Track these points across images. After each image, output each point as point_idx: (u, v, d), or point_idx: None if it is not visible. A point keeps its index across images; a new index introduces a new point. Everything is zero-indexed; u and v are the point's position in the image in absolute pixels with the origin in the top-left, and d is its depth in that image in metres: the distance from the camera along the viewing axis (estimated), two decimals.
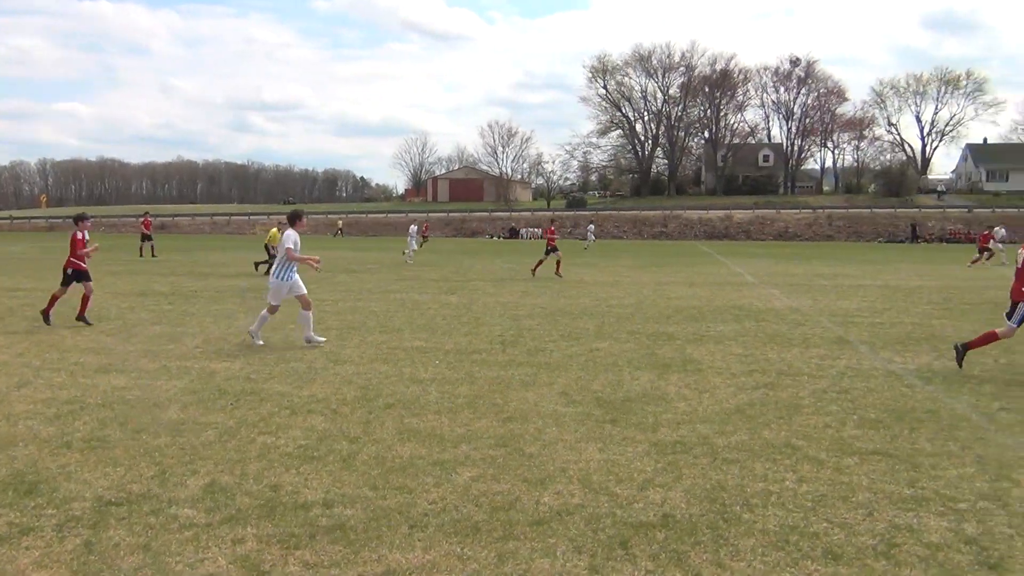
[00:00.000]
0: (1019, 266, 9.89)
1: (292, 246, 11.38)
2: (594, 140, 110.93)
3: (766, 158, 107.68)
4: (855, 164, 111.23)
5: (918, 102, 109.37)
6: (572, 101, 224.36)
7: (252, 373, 9.51)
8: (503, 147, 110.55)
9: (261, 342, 11.51)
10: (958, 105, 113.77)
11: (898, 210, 77.61)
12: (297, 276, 11.66)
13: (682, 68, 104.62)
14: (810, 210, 79.78)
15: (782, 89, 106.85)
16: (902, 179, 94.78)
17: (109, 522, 4.96)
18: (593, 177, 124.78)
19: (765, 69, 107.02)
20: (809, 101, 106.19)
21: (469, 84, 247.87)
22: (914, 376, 9.63)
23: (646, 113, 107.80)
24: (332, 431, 7.03)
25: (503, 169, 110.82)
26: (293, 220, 11.76)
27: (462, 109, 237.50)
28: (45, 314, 13.45)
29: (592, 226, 54.20)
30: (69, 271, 13.61)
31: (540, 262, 25.84)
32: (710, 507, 5.28)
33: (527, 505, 5.31)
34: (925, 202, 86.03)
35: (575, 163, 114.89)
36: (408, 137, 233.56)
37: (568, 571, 4.39)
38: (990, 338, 10.01)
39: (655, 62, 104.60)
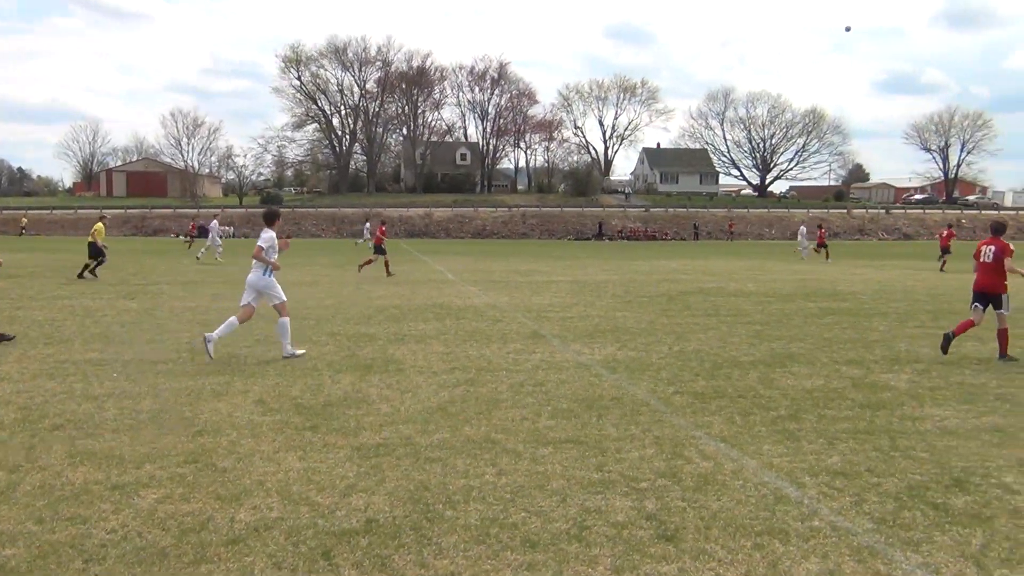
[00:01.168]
0: (989, 261, 11.21)
1: (263, 244, 10.74)
2: (289, 134, 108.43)
3: (463, 156, 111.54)
4: (546, 164, 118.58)
5: (600, 107, 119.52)
6: (265, 91, 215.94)
7: None
8: (189, 138, 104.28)
9: (302, 351, 11.07)
10: (635, 111, 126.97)
11: (585, 209, 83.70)
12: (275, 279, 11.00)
13: (379, 63, 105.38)
14: (506, 208, 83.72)
15: (477, 89, 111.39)
16: (588, 180, 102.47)
17: None
18: (289, 173, 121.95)
19: (461, 68, 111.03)
20: (503, 102, 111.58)
21: (148, 68, 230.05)
22: (601, 366, 10.45)
23: (343, 107, 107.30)
24: None
25: (189, 162, 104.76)
26: (271, 219, 11.10)
27: (140, 95, 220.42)
28: None
29: (369, 224, 52.49)
30: None
31: (369, 261, 26.53)
32: (413, 508, 5.38)
33: (221, 524, 5.09)
34: (608, 202, 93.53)
35: (269, 157, 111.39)
36: (76, 124, 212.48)
37: None
38: (965, 326, 11.29)
39: (351, 55, 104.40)
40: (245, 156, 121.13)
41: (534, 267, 31.67)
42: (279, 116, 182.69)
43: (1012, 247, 11.22)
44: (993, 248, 11.23)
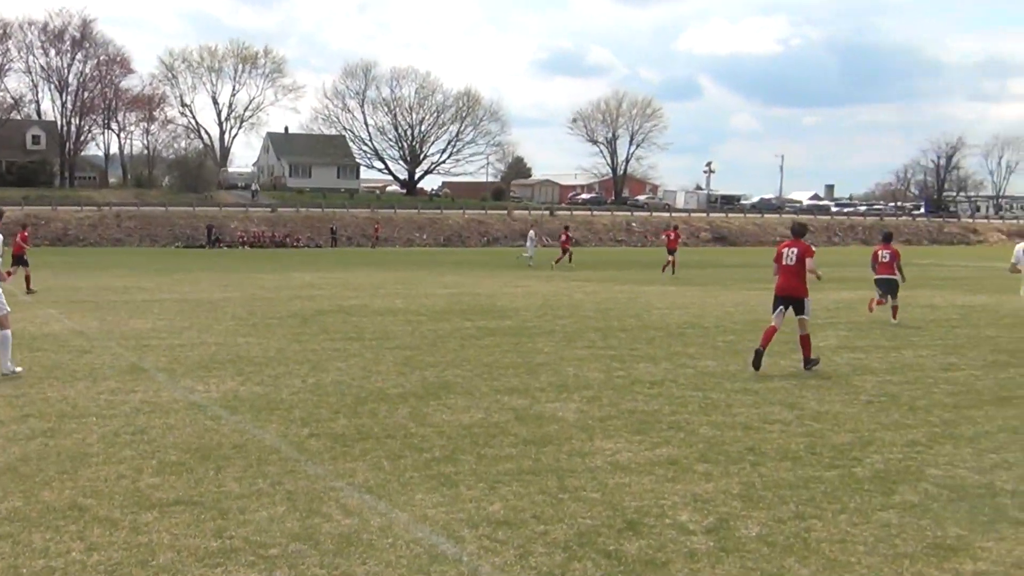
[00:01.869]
0: (792, 263, 12.78)
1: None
2: None
3: (36, 140, 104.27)
4: (146, 152, 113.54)
5: (214, 80, 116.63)
6: None
7: None
8: None
9: (20, 368, 11.88)
10: (257, 87, 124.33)
11: (197, 209, 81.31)
12: None
13: None
14: (95, 208, 79.26)
15: (53, 52, 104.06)
16: (200, 171, 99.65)
17: None
18: None
19: (30, 24, 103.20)
20: (87, 70, 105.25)
21: None
22: (219, 406, 10.28)
23: None
24: None
25: None
26: None
27: None
28: None
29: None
30: None
31: (26, 277, 25.41)
32: None
33: None
34: (227, 200, 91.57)
35: None
36: None
37: None
38: (805, 342, 12.88)
39: None
40: None
41: (133, 282, 30.37)
42: None
43: (814, 248, 13.03)
44: (796, 250, 12.91)
